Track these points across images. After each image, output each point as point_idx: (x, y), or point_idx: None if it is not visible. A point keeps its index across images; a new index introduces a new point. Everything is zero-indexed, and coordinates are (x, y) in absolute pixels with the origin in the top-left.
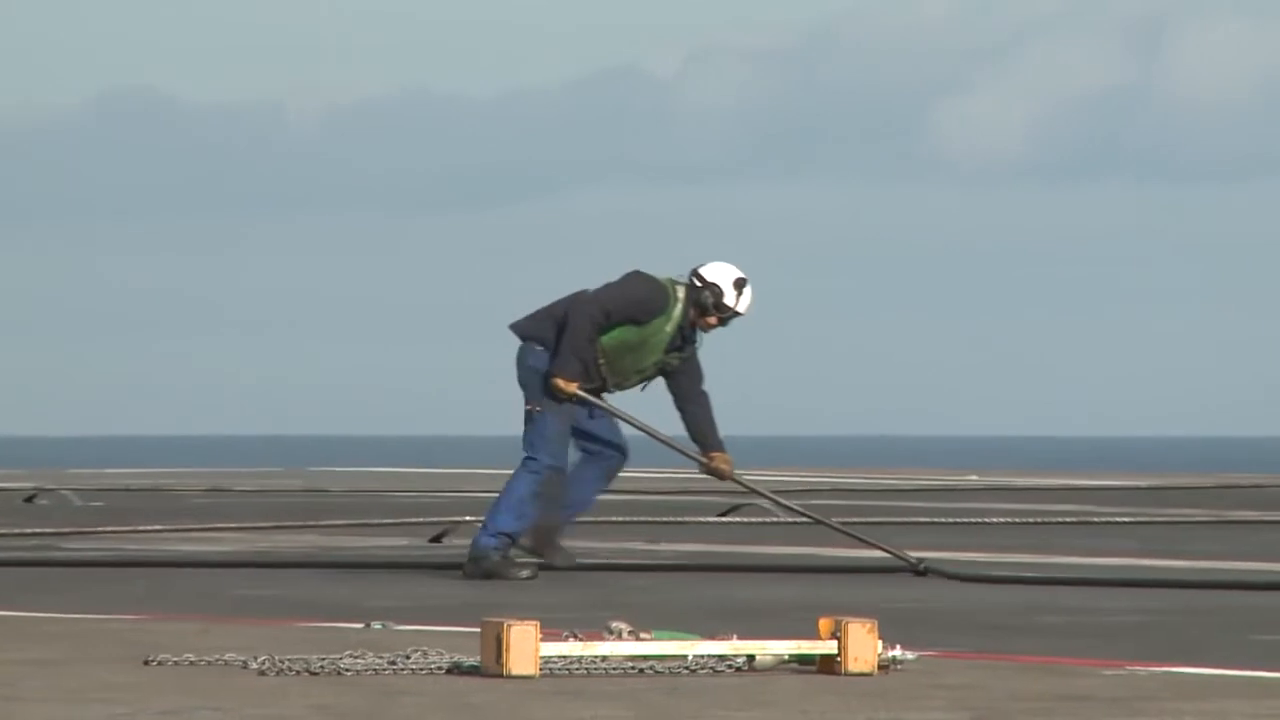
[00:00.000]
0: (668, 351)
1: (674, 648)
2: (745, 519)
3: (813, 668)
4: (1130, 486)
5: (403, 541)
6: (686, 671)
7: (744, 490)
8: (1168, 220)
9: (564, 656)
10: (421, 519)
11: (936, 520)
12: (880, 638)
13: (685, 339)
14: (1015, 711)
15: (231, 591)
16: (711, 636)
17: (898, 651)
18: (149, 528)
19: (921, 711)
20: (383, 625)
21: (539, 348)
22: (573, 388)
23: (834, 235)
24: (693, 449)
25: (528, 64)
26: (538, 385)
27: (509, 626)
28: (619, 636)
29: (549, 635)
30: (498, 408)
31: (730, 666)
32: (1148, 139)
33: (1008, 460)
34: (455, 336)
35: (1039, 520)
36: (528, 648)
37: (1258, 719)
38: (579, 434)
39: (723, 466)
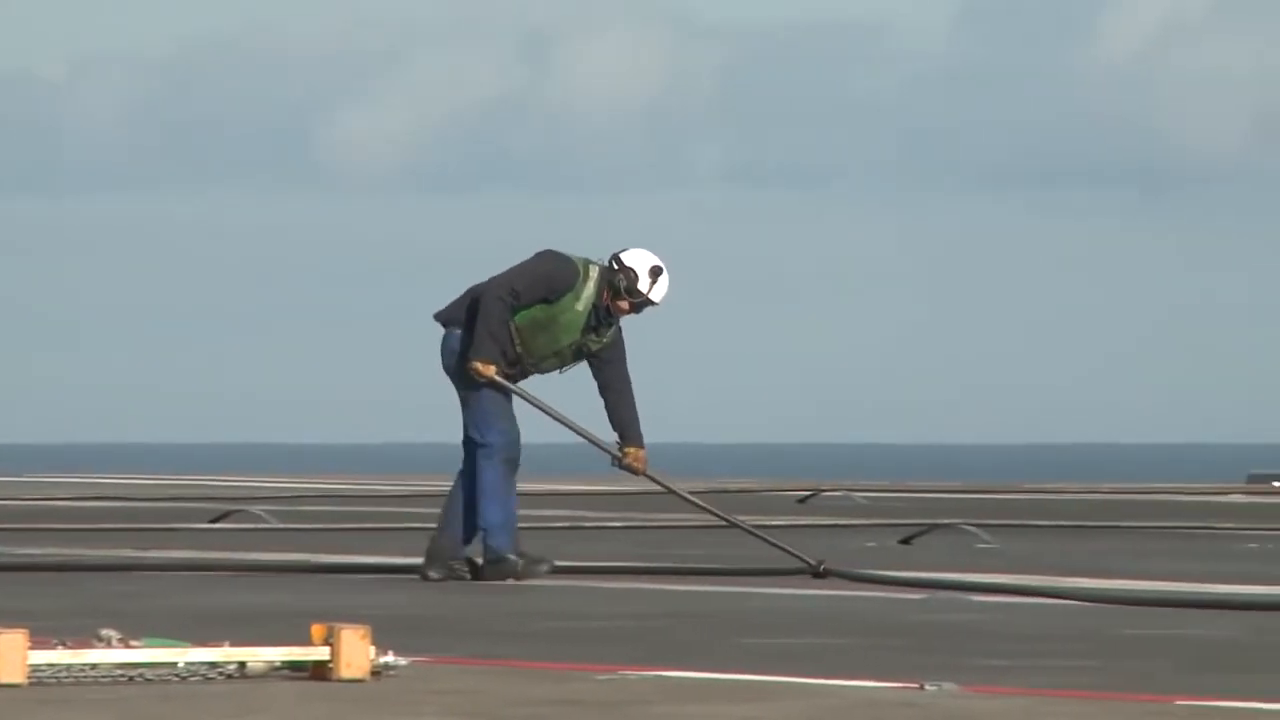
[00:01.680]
0: (584, 332)
1: (165, 655)
2: (236, 525)
3: (305, 674)
4: (624, 491)
5: None
6: (178, 679)
7: (662, 489)
8: (555, 230)
9: (52, 665)
10: None
11: (420, 526)
12: (374, 643)
13: (601, 320)
14: (508, 717)
15: None
16: (203, 643)
17: (390, 657)
18: None
19: (413, 717)
20: None
21: (458, 330)
22: (491, 370)
23: (225, 246)
24: (609, 442)
25: None
26: (460, 369)
27: None
28: (109, 644)
29: (37, 643)
30: None
31: (222, 673)
32: (535, 149)
33: None
34: None
35: (532, 525)
36: (15, 656)
37: None
38: None
39: (636, 464)
